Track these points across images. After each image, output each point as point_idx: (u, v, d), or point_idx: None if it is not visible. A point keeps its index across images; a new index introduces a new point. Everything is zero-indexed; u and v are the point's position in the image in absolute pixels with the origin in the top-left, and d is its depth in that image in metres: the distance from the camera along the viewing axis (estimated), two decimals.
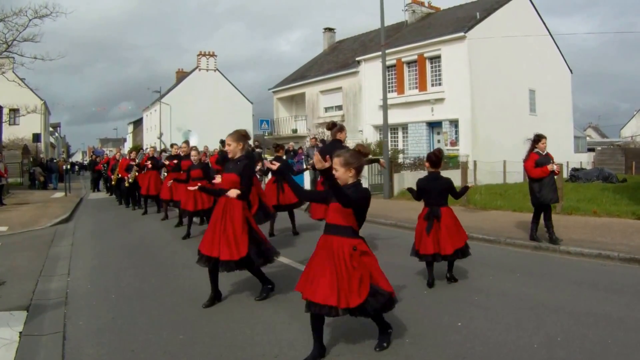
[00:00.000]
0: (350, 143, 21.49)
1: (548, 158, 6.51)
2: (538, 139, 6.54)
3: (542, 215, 6.71)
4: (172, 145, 11.64)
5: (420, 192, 4.96)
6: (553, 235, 6.58)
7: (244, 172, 4.33)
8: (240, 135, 4.51)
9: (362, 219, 3.14)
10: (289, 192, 8.34)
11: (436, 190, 4.82)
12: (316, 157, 2.92)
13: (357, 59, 22.95)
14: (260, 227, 4.73)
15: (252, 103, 42.51)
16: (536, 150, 6.53)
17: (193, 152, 8.22)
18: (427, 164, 4.97)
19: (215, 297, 4.47)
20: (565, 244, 6.49)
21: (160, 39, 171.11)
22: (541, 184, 6.47)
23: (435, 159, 4.86)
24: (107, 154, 21.73)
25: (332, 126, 6.41)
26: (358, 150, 3.15)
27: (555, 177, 6.68)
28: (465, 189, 5.17)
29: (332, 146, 6.28)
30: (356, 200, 3.03)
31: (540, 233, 6.79)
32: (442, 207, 4.82)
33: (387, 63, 16.09)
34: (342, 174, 3.08)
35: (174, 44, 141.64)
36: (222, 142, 9.24)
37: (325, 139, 17.38)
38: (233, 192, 4.20)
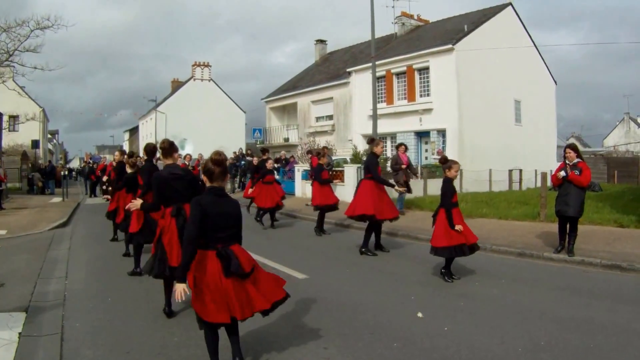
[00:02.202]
0: (341, 152, 21.50)
1: (576, 167, 6.18)
2: (564, 149, 6.44)
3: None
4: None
5: None
6: (570, 246, 6.39)
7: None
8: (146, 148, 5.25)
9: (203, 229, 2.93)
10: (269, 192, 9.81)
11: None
12: None
13: (348, 70, 23.23)
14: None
15: (244, 112, 42.79)
16: (566, 160, 6.39)
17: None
18: None
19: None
20: (549, 251, 6.64)
21: (161, 50, 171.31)
22: (558, 193, 6.35)
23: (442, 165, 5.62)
24: (103, 161, 21.73)
25: (370, 141, 7.34)
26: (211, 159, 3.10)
27: (584, 188, 6.22)
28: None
29: (369, 158, 7.17)
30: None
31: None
32: (440, 208, 5.38)
33: (377, 74, 16.31)
34: None
35: (174, 55, 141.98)
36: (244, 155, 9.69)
37: (317, 147, 17.52)
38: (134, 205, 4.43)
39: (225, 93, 42.52)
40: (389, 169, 12.53)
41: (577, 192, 6.18)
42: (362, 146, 21.12)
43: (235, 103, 42.79)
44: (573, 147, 6.39)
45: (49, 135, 44.27)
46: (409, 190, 11.15)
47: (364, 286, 5.27)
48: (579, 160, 6.26)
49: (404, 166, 11.09)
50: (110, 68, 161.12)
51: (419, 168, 17.24)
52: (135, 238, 5.88)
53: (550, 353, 3.37)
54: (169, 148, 4.36)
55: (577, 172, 6.14)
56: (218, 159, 3.03)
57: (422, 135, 20.15)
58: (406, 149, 11.85)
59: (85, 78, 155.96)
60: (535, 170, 18.40)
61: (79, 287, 5.34)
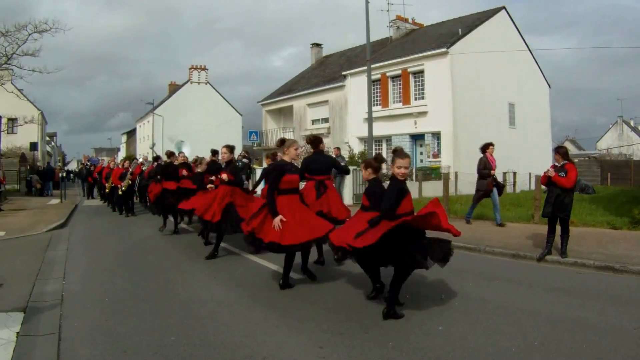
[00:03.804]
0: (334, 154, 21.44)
1: (562, 169, 6.23)
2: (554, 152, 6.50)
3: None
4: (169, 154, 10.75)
5: None
6: (563, 247, 6.40)
7: None
8: None
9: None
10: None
11: None
12: None
13: (343, 73, 23.33)
14: None
15: (241, 115, 42.90)
16: (555, 162, 6.46)
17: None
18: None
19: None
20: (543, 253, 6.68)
21: (160, 55, 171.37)
22: (546, 195, 6.39)
23: None
24: (100, 163, 21.83)
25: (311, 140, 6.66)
26: (375, 158, 4.61)
27: (566, 189, 6.14)
28: None
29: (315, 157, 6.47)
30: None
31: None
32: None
33: (372, 77, 16.41)
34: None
35: (172, 60, 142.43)
36: (214, 152, 9.11)
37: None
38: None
39: (221, 96, 42.67)
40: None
41: (562, 194, 6.22)
42: (358, 149, 21.24)
43: (232, 106, 42.94)
44: (558, 150, 6.49)
45: (47, 138, 44.46)
46: (500, 192, 9.59)
47: (358, 286, 5.28)
48: (565, 162, 6.35)
49: (493, 172, 9.43)
50: (109, 72, 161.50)
51: (414, 171, 17.31)
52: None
53: (543, 353, 3.39)
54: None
55: (562, 174, 6.22)
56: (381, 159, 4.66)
57: (417, 138, 20.26)
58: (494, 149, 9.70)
59: (83, 82, 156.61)
60: (530, 173, 18.53)
61: (76, 288, 5.35)
